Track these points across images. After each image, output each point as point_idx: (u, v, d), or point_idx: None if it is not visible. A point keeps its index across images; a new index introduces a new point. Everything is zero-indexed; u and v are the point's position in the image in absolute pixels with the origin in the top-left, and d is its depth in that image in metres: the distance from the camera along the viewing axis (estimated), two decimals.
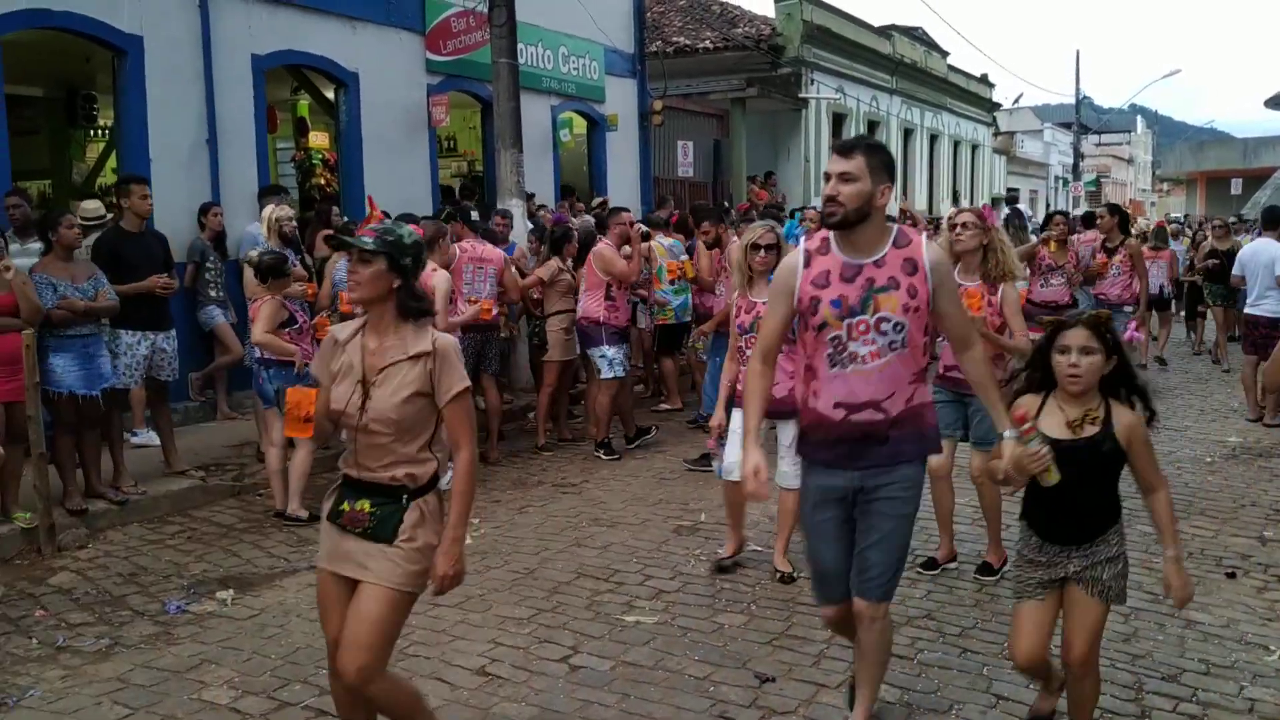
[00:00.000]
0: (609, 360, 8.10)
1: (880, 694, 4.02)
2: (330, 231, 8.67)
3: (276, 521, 6.43)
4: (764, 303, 4.72)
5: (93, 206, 7.91)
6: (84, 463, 6.47)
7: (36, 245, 6.85)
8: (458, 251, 7.91)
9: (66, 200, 11.09)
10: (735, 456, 5.11)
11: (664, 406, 10.03)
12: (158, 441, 7.36)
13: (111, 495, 6.49)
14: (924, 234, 3.48)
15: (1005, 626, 4.67)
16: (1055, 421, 3.27)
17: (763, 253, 5.32)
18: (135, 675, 4.31)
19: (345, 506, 3.11)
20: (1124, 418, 3.28)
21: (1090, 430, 3.25)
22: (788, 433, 5.04)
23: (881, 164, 3.30)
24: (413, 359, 3.07)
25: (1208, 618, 4.80)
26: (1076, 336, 3.21)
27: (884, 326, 3.31)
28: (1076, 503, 3.27)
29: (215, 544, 6.10)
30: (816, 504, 3.50)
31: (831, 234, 3.39)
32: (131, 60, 8.82)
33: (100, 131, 12.69)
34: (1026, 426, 3.16)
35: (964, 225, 5.17)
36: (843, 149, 3.34)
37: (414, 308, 3.12)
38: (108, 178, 11.86)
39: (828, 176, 3.33)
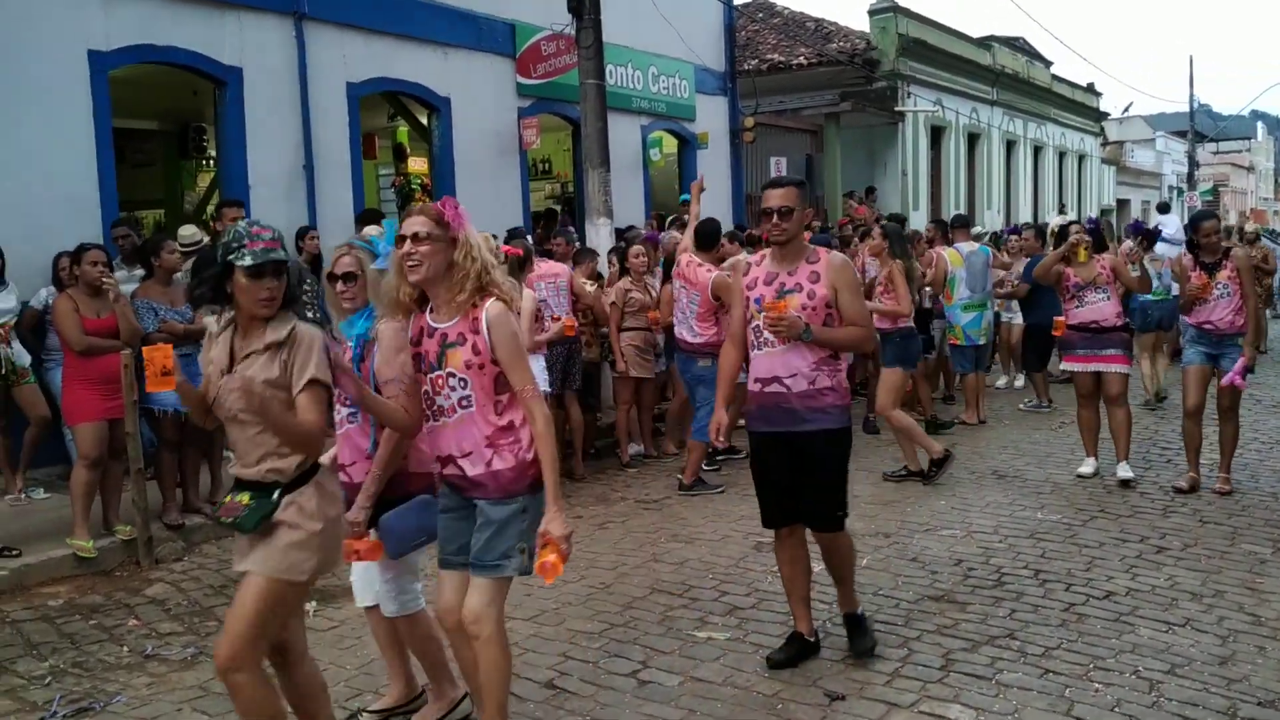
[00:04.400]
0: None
1: (947, 711, 3.92)
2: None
3: None
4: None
5: (189, 233, 8.20)
6: (184, 478, 6.72)
7: (142, 273, 7.14)
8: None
9: (178, 229, 11.57)
10: (361, 583, 4.02)
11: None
12: None
13: (208, 510, 6.71)
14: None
15: (1091, 648, 4.51)
16: None
17: (341, 284, 3.78)
18: (216, 684, 4.41)
19: (226, 498, 3.23)
20: None
21: None
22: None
23: None
24: (269, 350, 3.14)
25: None
26: None
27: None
28: None
29: None
30: None
31: None
32: (231, 91, 9.18)
33: (209, 162, 13.20)
34: None
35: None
36: None
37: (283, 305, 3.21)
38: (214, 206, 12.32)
39: None
